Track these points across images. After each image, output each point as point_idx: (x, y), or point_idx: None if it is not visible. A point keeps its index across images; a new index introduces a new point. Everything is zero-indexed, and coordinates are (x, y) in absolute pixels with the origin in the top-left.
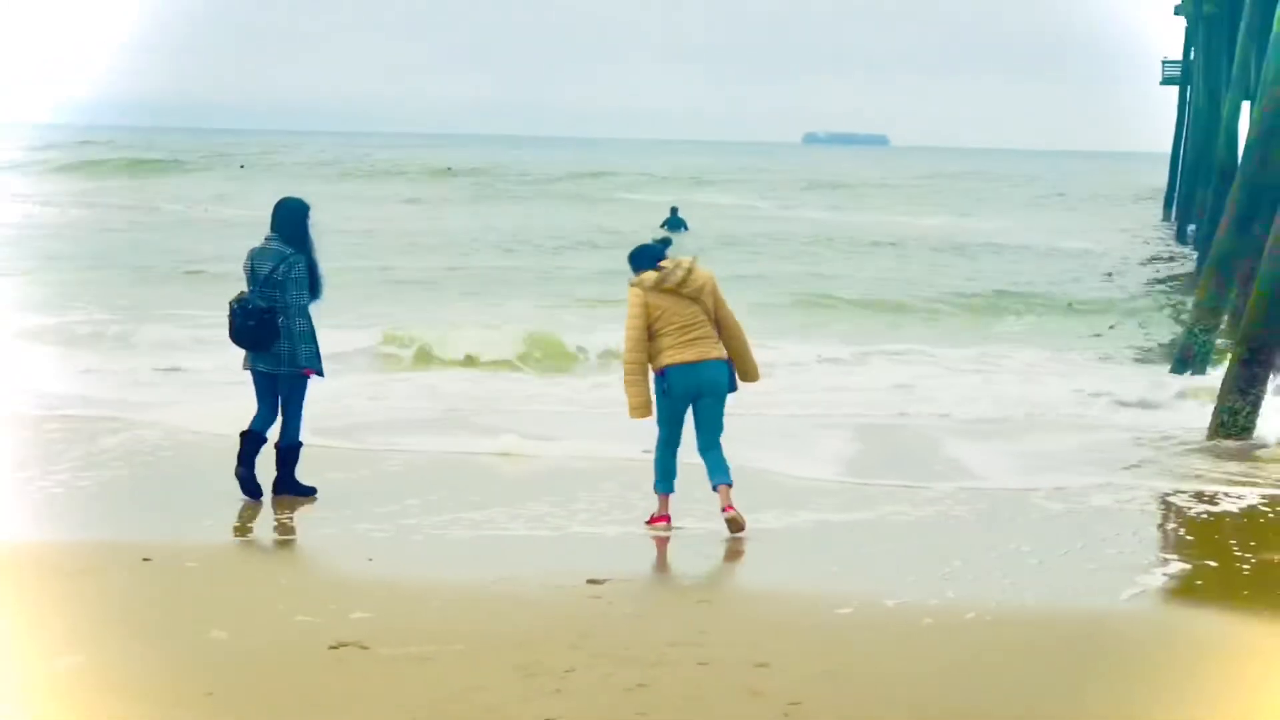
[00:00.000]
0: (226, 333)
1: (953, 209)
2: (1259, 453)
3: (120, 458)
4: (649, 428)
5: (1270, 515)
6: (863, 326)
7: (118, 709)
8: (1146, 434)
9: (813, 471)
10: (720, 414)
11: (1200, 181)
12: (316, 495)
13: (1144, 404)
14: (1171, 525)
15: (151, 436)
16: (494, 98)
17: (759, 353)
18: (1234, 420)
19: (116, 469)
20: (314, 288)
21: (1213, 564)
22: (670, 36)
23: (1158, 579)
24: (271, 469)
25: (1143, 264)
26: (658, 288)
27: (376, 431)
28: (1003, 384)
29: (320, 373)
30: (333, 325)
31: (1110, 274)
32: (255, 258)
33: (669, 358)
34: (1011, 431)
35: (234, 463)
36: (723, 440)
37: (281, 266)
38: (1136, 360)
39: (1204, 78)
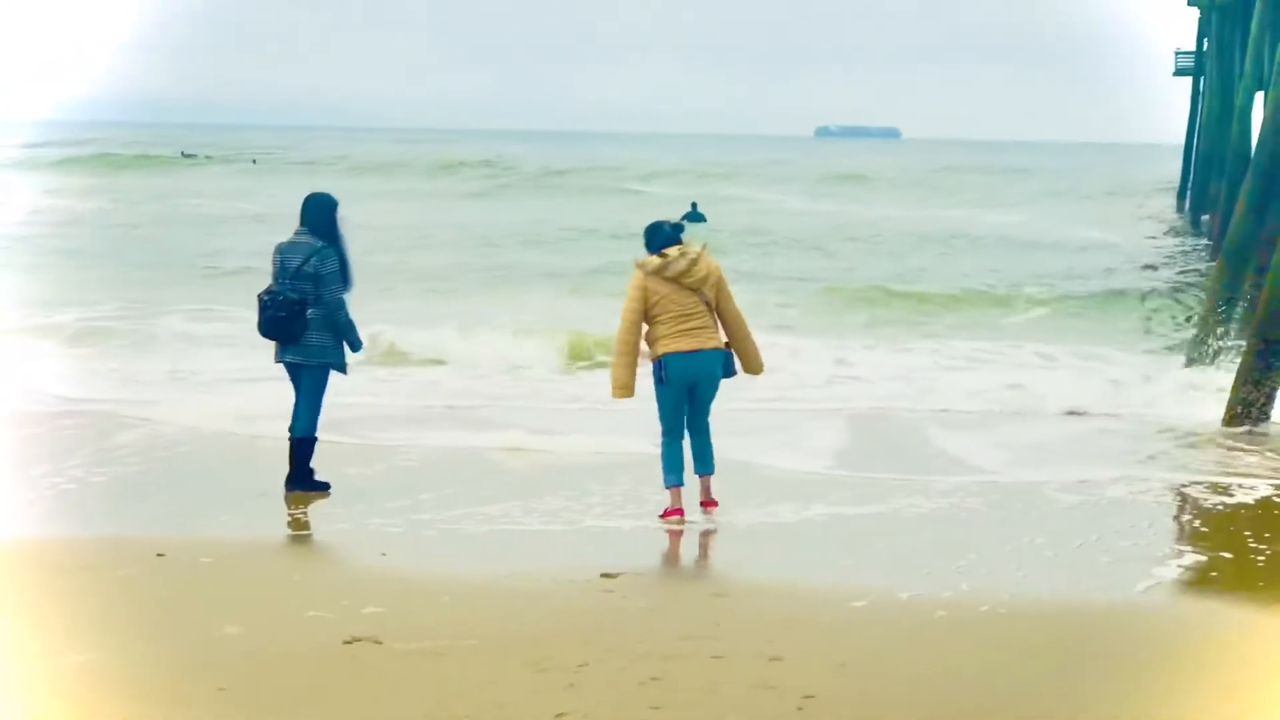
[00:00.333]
0: (255, 325)
1: (969, 201)
2: (1273, 443)
3: (135, 454)
4: (651, 423)
5: None
6: (880, 318)
7: (130, 705)
8: (1160, 425)
9: (824, 465)
10: (711, 398)
11: (1214, 172)
12: (330, 491)
13: (1158, 395)
14: (1186, 517)
15: (167, 432)
16: (500, 93)
17: (777, 349)
18: (1248, 411)
19: (130, 465)
20: (345, 280)
21: (1228, 555)
22: (681, 31)
23: (1173, 571)
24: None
25: (1154, 255)
26: (659, 274)
27: (384, 427)
28: (1016, 376)
29: (353, 351)
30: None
31: (1152, 266)
32: (284, 251)
33: (666, 346)
34: (1024, 424)
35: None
36: (723, 427)
37: (313, 260)
38: (1150, 351)
39: (1217, 68)
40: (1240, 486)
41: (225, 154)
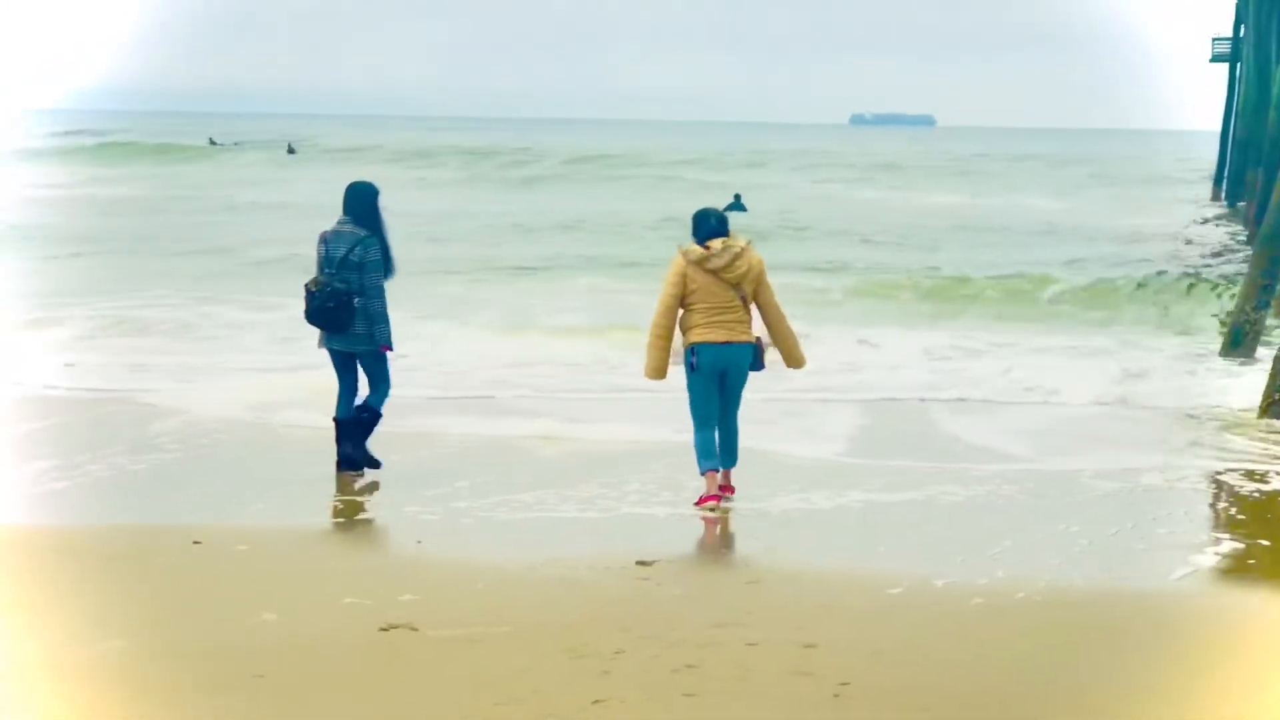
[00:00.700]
0: (303, 314)
1: (1006, 188)
2: None
3: (174, 442)
4: (681, 410)
5: None
6: (912, 306)
7: (168, 692)
8: (1197, 413)
9: (856, 452)
10: (740, 390)
11: (1250, 160)
12: (382, 465)
13: (1194, 383)
14: (1223, 504)
15: (204, 421)
16: (529, 81)
17: (808, 339)
18: None
19: (168, 453)
20: (387, 268)
21: (1265, 543)
22: (715, 19)
23: (1210, 558)
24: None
25: (1190, 242)
26: (700, 264)
27: (424, 414)
28: (1052, 363)
29: (391, 347)
30: None
31: (1188, 253)
32: (329, 241)
33: (698, 335)
34: (1060, 411)
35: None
36: (754, 415)
37: (358, 249)
38: (1186, 339)
39: (1254, 54)
40: (1277, 474)
41: (254, 142)
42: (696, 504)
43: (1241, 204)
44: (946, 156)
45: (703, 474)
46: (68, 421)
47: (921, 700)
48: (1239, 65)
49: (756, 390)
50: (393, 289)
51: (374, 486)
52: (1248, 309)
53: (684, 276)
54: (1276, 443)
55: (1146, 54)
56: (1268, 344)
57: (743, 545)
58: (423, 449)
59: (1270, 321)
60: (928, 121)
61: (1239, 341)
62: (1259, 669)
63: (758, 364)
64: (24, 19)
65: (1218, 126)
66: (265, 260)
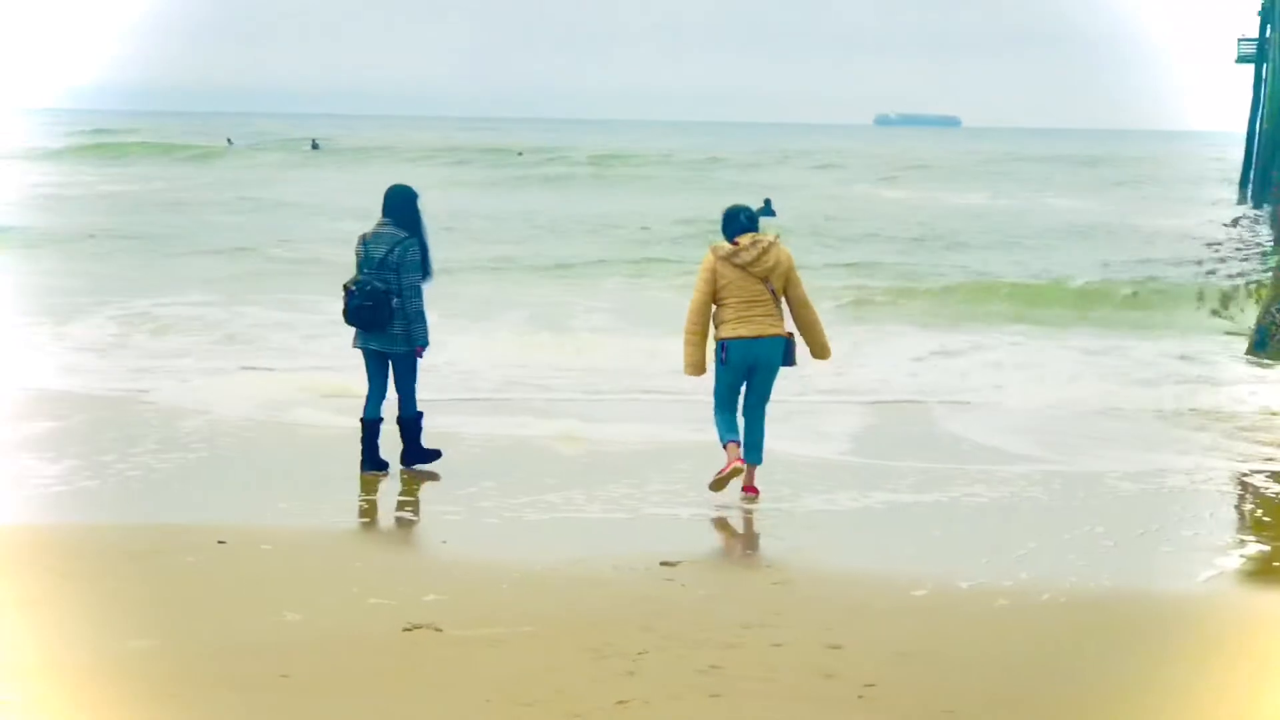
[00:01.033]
0: (341, 313)
1: (1033, 188)
2: None
3: (200, 441)
4: (694, 413)
5: None
6: (936, 308)
7: (192, 691)
8: (1223, 414)
9: (884, 454)
10: (770, 385)
11: (1276, 161)
12: (441, 455)
13: (1220, 384)
14: (1249, 506)
15: (230, 420)
16: (555, 80)
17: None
18: None
19: (195, 451)
20: (425, 270)
21: None
22: (738, 19)
23: (1235, 560)
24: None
25: (1216, 243)
26: (729, 260)
27: (451, 413)
28: (1078, 365)
29: (427, 345)
30: None
31: (1213, 254)
32: (369, 242)
33: (728, 330)
34: (1085, 412)
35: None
36: (780, 411)
37: (397, 250)
38: (1212, 340)
39: None
40: None
41: (277, 140)
42: (715, 476)
43: (1267, 206)
44: (976, 157)
45: (724, 444)
46: (96, 419)
47: (946, 702)
48: (1265, 66)
49: (782, 393)
50: (427, 288)
51: (398, 486)
52: (1273, 310)
53: (714, 272)
54: None
55: (1172, 55)
56: None
57: (768, 546)
58: (448, 448)
59: None
60: (953, 122)
61: (1265, 343)
62: None
63: (789, 359)
64: (27, 16)
65: (1244, 127)
66: (292, 259)
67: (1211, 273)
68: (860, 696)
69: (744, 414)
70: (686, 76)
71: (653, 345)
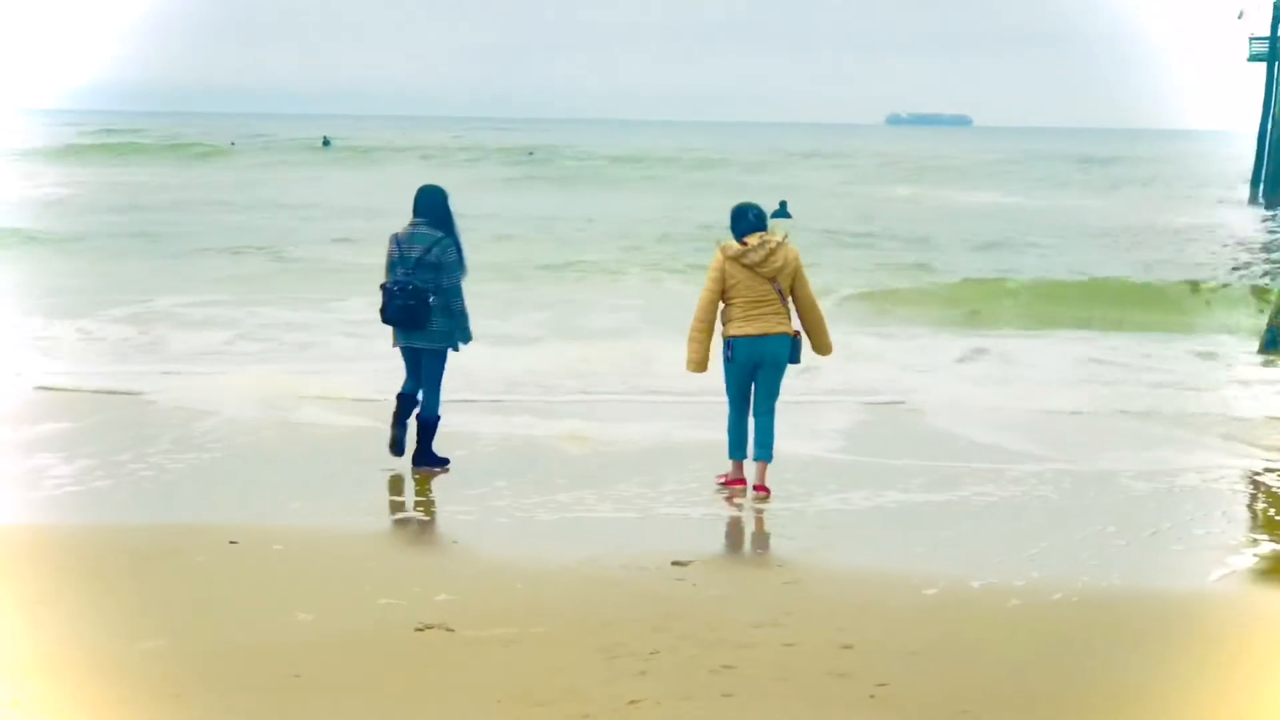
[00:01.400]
0: (379, 312)
1: (1045, 187)
2: None
3: (215, 440)
4: (712, 411)
5: None
6: (955, 312)
7: (203, 691)
8: (1234, 413)
9: (895, 453)
10: (778, 382)
11: None
12: (449, 466)
13: (1232, 383)
14: (1261, 505)
15: (243, 420)
16: (567, 80)
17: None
18: None
19: (208, 451)
20: (462, 267)
21: None
22: (749, 19)
23: (1248, 559)
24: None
25: (1228, 243)
26: (737, 260)
27: (467, 413)
28: (1090, 364)
29: (470, 340)
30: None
31: (1226, 254)
32: (403, 242)
33: (735, 329)
34: (1097, 411)
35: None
36: (780, 406)
37: (434, 249)
38: (1224, 340)
39: None
40: None
41: (289, 140)
42: (723, 484)
43: None
44: (990, 156)
45: (730, 460)
46: (110, 419)
47: (959, 701)
48: (1276, 64)
49: (792, 392)
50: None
51: (411, 486)
52: None
53: (722, 272)
54: None
55: (1181, 54)
56: None
57: (780, 545)
58: (460, 449)
59: None
60: (964, 121)
61: (1276, 342)
62: None
63: (795, 357)
64: (27, 17)
65: (1254, 126)
66: (304, 259)
67: (1223, 275)
68: (872, 696)
69: (753, 413)
70: (695, 76)
71: (660, 348)
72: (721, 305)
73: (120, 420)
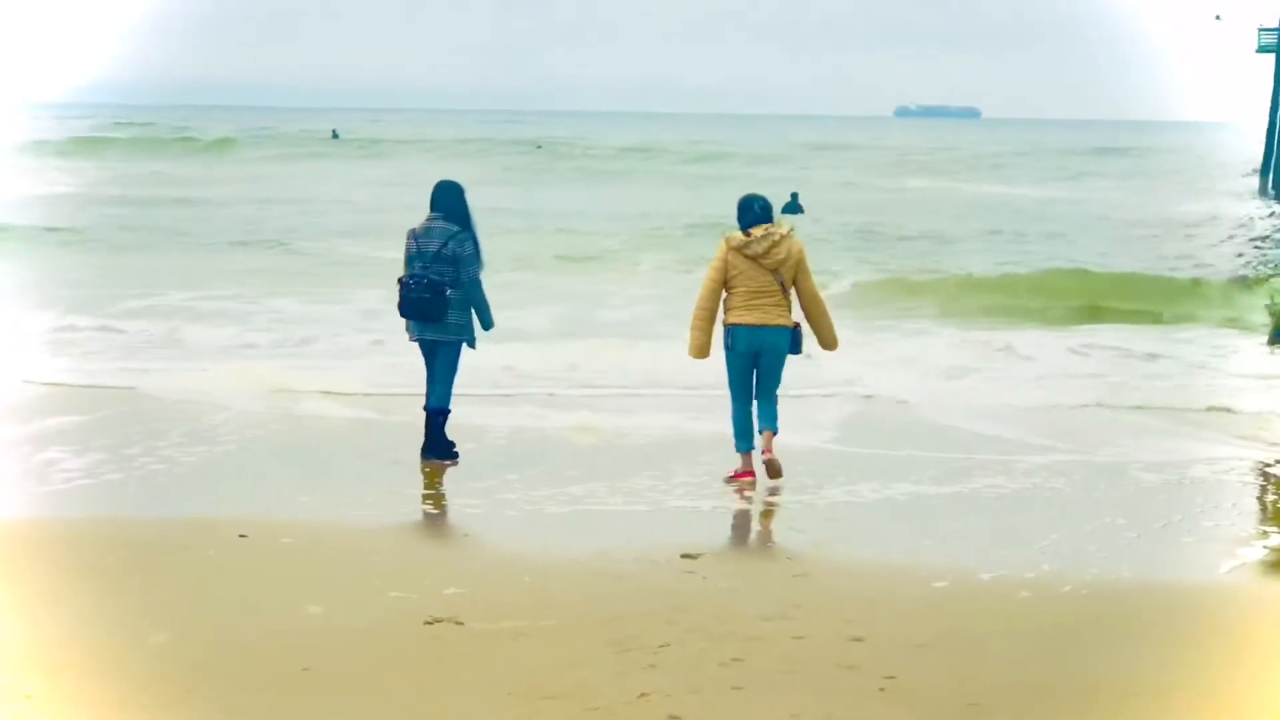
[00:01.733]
0: (396, 306)
1: (1053, 179)
2: None
3: (226, 434)
4: (721, 405)
5: None
6: (963, 306)
7: (213, 685)
8: (1243, 405)
9: (904, 445)
10: (778, 371)
11: None
12: (459, 458)
13: (1242, 376)
14: (1271, 497)
15: (252, 413)
16: (575, 72)
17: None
18: None
19: (219, 445)
20: (479, 260)
21: None
22: (758, 11)
23: (1258, 551)
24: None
25: (1237, 236)
26: (740, 250)
27: (477, 406)
28: (1099, 358)
29: (492, 326)
30: None
31: (1234, 247)
32: (420, 236)
33: (735, 317)
34: (1107, 404)
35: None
36: (780, 393)
37: (451, 243)
38: (1233, 333)
39: None
40: None
41: (282, 136)
42: (732, 478)
43: None
44: (1001, 148)
45: (738, 453)
46: (120, 413)
47: (968, 694)
48: None
49: (798, 383)
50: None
51: (420, 479)
52: None
53: (725, 262)
54: None
55: (1191, 45)
56: None
57: (789, 538)
58: (470, 441)
59: None
60: (973, 114)
61: None
62: None
63: (796, 347)
64: (30, 11)
65: (1262, 118)
66: (317, 253)
67: (1232, 268)
68: (882, 689)
69: (756, 397)
70: (699, 69)
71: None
72: (725, 294)
73: (129, 415)
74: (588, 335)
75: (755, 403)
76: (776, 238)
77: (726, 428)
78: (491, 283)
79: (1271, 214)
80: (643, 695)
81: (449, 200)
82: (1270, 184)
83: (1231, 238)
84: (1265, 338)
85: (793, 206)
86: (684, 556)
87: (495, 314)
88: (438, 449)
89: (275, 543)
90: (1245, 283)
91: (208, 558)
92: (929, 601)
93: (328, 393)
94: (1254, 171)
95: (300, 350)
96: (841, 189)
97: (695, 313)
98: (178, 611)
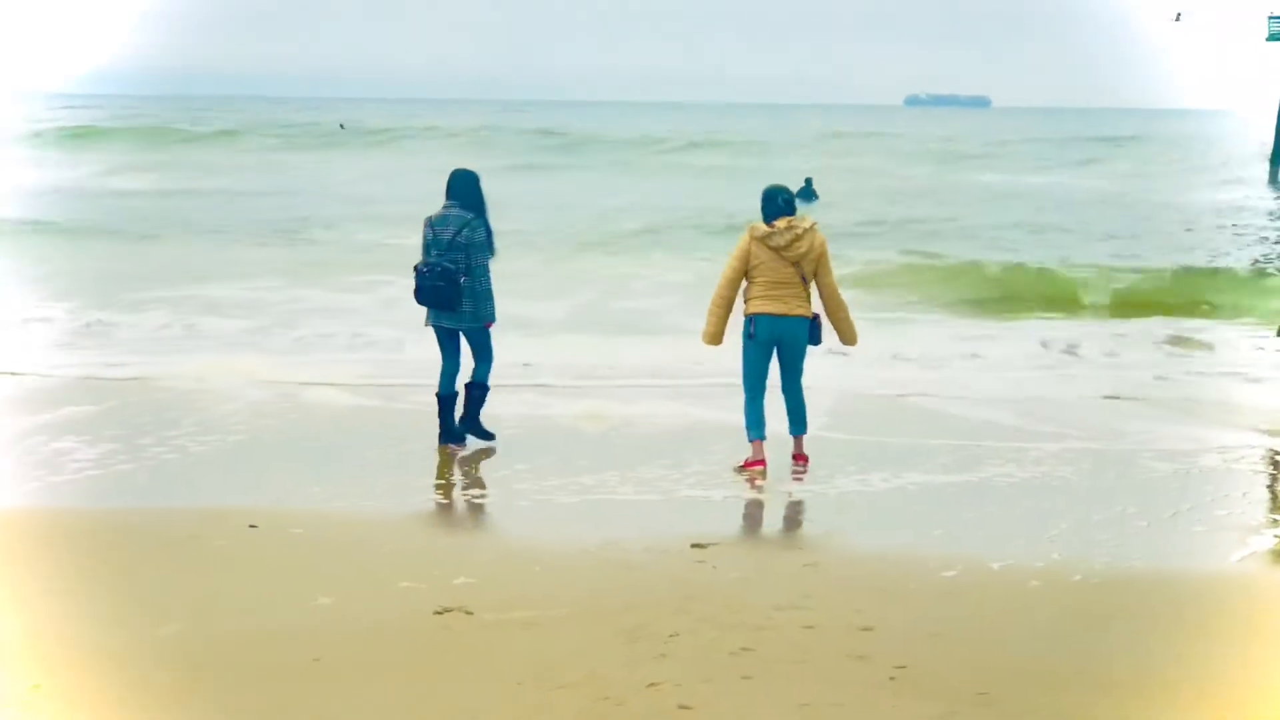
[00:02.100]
0: (413, 294)
1: (1063, 168)
2: None
3: (236, 424)
4: (733, 395)
5: None
6: (975, 296)
7: (223, 675)
8: (1254, 394)
9: (915, 435)
10: (799, 361)
11: None
12: (495, 440)
13: (1251, 365)
14: None
15: (264, 403)
16: (585, 63)
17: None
18: None
19: (230, 435)
20: (490, 248)
21: None
22: (768, 1)
23: (1268, 540)
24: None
25: (1247, 226)
26: (763, 241)
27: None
28: (1108, 348)
29: (494, 321)
30: None
31: (1244, 236)
32: (436, 224)
33: (756, 306)
34: (1117, 394)
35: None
36: (807, 383)
37: (465, 231)
38: (1242, 323)
39: None
40: None
41: (304, 124)
42: (743, 466)
43: None
44: (1014, 136)
45: (750, 441)
46: (130, 404)
47: (979, 683)
48: None
49: (809, 375)
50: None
51: (431, 469)
52: None
53: (747, 251)
54: None
55: (1206, 33)
56: None
57: (799, 527)
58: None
59: None
60: (983, 102)
61: None
62: None
63: (816, 338)
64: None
65: (1271, 106)
66: (331, 241)
67: (1241, 258)
68: (892, 678)
69: (782, 390)
70: (706, 58)
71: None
72: (745, 284)
73: (140, 405)
74: (602, 325)
75: (783, 398)
76: (800, 231)
77: (738, 418)
78: (505, 271)
79: (1264, 200)
80: (653, 685)
81: (464, 188)
82: None
83: (1245, 226)
84: (1274, 328)
85: (806, 193)
86: (694, 546)
87: (508, 302)
88: (473, 426)
89: (285, 533)
90: (1252, 272)
91: (218, 548)
92: (939, 591)
93: (338, 383)
94: (1265, 160)
95: (311, 340)
96: (864, 176)
97: (713, 300)
98: (187, 602)
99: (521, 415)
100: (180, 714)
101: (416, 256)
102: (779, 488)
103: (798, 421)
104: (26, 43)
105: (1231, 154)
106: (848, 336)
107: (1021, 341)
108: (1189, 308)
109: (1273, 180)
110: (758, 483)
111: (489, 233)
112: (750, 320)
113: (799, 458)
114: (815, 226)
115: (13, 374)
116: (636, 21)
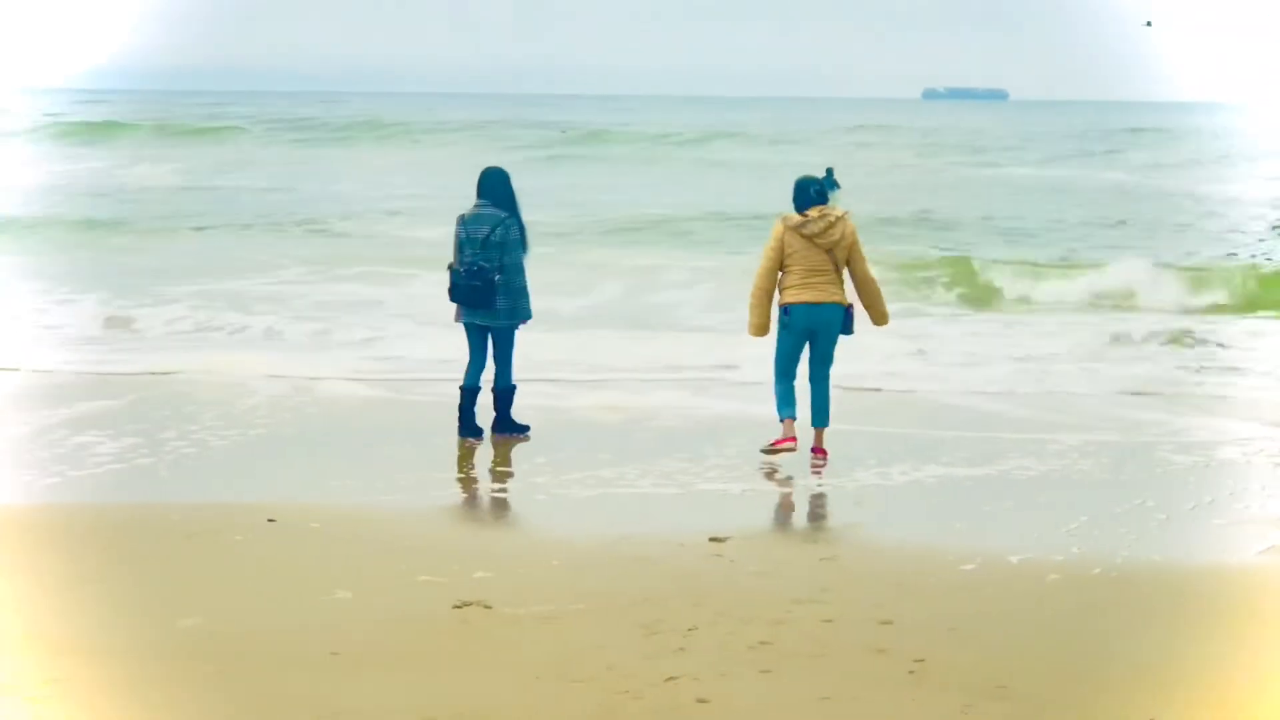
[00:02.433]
0: (447, 292)
1: (1081, 160)
2: None
3: (256, 418)
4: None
5: None
6: (993, 291)
7: (242, 669)
8: (1271, 387)
9: (933, 428)
10: (830, 350)
11: None
12: (529, 433)
13: (1269, 356)
14: None
15: (284, 397)
16: (604, 56)
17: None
18: None
19: (250, 429)
20: (524, 245)
21: None
22: None
23: None
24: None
25: (1266, 218)
26: (797, 230)
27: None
28: (1129, 342)
29: (530, 317)
30: None
31: (1263, 229)
32: (469, 223)
33: (792, 295)
34: (1136, 387)
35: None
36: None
37: (499, 229)
38: (1261, 316)
39: None
40: None
41: (293, 119)
42: (771, 444)
43: None
44: (1034, 129)
45: (781, 420)
46: (151, 398)
47: (998, 676)
48: None
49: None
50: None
51: (450, 463)
52: None
53: (782, 241)
54: None
55: (1224, 26)
56: None
57: (818, 521)
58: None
59: None
60: (1000, 95)
61: None
62: None
63: (849, 327)
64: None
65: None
66: (356, 235)
67: (1261, 250)
68: (911, 672)
69: (809, 380)
70: (720, 52)
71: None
72: (780, 274)
73: (161, 400)
74: (626, 319)
75: (810, 390)
76: (832, 219)
77: (759, 410)
78: (532, 266)
79: None
80: (671, 678)
81: (496, 186)
82: None
83: (1263, 220)
84: None
85: (828, 183)
86: (712, 539)
87: (537, 299)
88: (506, 425)
89: (304, 527)
90: (1270, 265)
91: (236, 542)
92: (958, 584)
93: (357, 377)
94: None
95: (330, 334)
96: (892, 170)
97: (753, 292)
98: (206, 596)
99: (540, 408)
100: (199, 706)
101: (442, 252)
102: (798, 481)
103: (821, 414)
104: (26, 42)
105: (1246, 147)
106: (880, 317)
107: (1041, 336)
108: (1195, 301)
109: None
110: (778, 475)
111: (523, 230)
112: (787, 309)
113: (818, 451)
114: (847, 215)
115: (35, 370)
116: (650, 17)
